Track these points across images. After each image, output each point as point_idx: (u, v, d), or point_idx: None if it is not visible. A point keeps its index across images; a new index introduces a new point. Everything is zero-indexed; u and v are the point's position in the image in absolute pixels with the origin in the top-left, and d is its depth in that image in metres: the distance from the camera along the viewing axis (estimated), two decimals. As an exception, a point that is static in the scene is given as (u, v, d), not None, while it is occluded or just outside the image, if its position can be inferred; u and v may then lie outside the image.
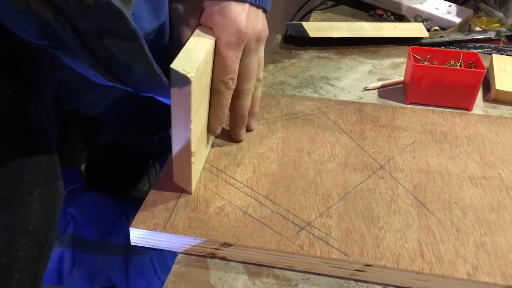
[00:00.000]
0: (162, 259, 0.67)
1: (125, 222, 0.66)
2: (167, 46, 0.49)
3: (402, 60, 0.84)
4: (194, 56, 0.45)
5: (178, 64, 0.43)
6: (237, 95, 0.54)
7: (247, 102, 0.55)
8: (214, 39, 0.49)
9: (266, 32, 0.53)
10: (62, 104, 0.61)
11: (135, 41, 0.41)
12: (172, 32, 0.49)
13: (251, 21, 0.50)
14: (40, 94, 0.55)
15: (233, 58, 0.50)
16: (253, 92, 0.55)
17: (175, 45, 0.49)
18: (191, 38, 0.48)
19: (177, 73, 0.43)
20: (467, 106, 0.69)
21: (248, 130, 0.60)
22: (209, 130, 0.54)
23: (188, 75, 0.42)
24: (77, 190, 0.71)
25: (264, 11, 0.52)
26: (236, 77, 0.51)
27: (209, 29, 0.49)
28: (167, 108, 0.47)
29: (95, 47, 0.42)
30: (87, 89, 0.61)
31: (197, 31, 0.49)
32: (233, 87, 0.52)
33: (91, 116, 0.71)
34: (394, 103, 0.71)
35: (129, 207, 0.68)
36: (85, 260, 0.66)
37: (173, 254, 0.63)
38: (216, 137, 0.58)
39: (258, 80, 0.55)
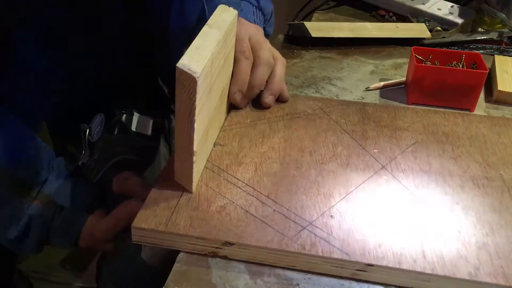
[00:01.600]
0: None
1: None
2: None
3: (404, 60, 0.84)
4: (201, 55, 0.45)
5: (184, 63, 0.43)
6: (255, 64, 0.62)
7: (260, 72, 0.61)
8: (221, 37, 0.49)
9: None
10: None
11: None
12: None
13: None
14: None
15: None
16: (271, 68, 0.63)
17: None
18: (197, 37, 0.48)
19: (183, 72, 0.43)
20: (469, 106, 0.69)
21: (264, 105, 0.64)
22: (229, 95, 0.60)
23: (194, 75, 0.42)
24: None
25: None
26: (250, 50, 0.61)
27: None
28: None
29: None
30: None
31: (204, 30, 0.50)
32: (250, 57, 0.60)
33: None
34: (396, 104, 0.71)
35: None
36: None
37: None
38: (216, 137, 0.58)
39: (275, 58, 0.64)
